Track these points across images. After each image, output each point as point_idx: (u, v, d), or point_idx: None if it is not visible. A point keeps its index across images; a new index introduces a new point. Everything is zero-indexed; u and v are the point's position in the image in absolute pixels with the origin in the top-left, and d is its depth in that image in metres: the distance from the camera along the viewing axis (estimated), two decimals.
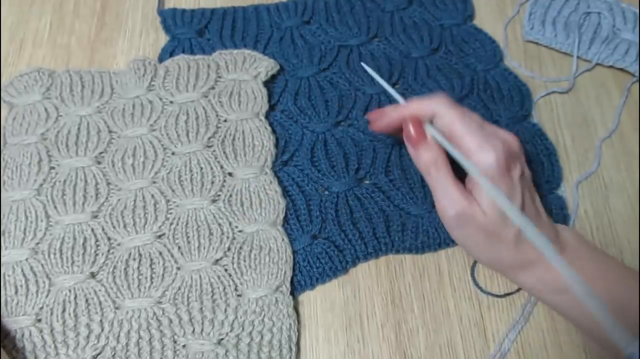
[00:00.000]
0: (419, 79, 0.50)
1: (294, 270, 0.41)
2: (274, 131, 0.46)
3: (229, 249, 0.41)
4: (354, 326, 0.40)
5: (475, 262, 0.43)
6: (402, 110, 0.38)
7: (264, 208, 0.42)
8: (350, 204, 0.44)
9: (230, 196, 0.43)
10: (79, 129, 0.45)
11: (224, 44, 0.51)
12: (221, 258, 0.40)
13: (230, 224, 0.42)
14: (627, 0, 0.56)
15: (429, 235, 0.43)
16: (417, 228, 0.43)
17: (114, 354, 0.37)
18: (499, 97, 0.49)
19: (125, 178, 0.43)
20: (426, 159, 0.37)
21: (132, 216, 0.42)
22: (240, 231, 0.42)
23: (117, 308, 0.39)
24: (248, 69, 0.48)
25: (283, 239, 0.41)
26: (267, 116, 0.47)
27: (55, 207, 0.42)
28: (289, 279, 0.40)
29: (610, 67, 0.53)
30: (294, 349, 0.38)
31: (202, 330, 0.38)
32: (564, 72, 0.52)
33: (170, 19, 0.52)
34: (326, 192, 0.44)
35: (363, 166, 0.45)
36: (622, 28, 0.54)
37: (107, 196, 0.43)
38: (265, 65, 0.48)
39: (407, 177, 0.45)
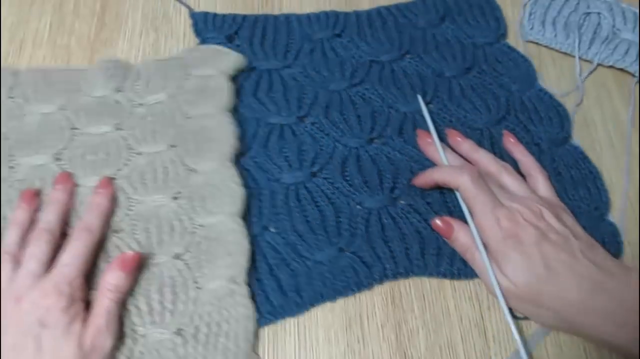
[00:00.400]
0: (454, 100, 0.49)
1: (317, 281, 0.40)
2: (238, 124, 0.46)
3: (189, 243, 0.41)
4: (354, 327, 0.40)
5: None
6: (434, 176, 0.42)
7: (223, 201, 0.42)
8: (383, 222, 0.42)
9: (192, 191, 0.42)
10: (40, 126, 0.44)
11: (253, 52, 0.50)
12: (182, 253, 0.40)
13: (191, 219, 0.41)
14: (627, 0, 0.56)
15: (466, 262, 0.41)
16: (453, 254, 0.41)
17: None
18: (537, 119, 0.48)
19: (83, 174, 0.43)
20: (459, 248, 0.41)
21: None
22: (200, 225, 0.41)
23: None
24: (215, 65, 0.48)
25: (241, 232, 0.41)
26: (234, 110, 0.47)
27: (12, 208, 0.41)
28: (245, 270, 0.40)
29: (610, 67, 0.53)
30: (251, 339, 0.38)
31: (162, 320, 0.38)
32: (564, 72, 0.52)
33: (201, 22, 0.51)
34: (358, 207, 0.43)
35: (399, 186, 0.44)
36: (622, 28, 0.54)
37: None
38: (233, 60, 0.48)
39: (445, 201, 0.44)
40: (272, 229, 0.42)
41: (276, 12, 0.55)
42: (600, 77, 0.53)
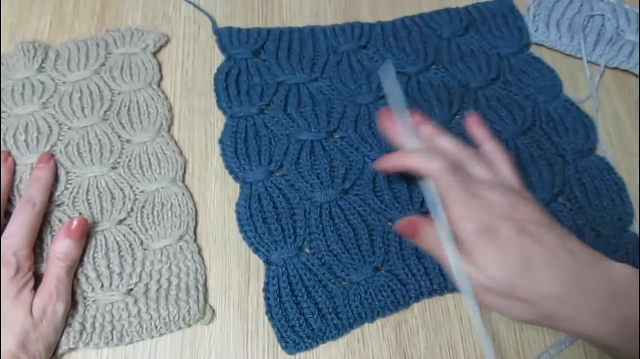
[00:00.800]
0: (480, 111, 0.49)
1: (355, 302, 0.40)
2: (166, 98, 0.48)
3: (131, 209, 0.43)
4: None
5: None
6: (404, 161, 0.38)
7: (162, 167, 0.45)
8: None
9: (130, 161, 0.45)
10: None
11: (280, 66, 0.50)
12: (125, 218, 0.42)
13: (131, 187, 0.44)
14: (630, 0, 0.56)
15: None
16: None
17: None
18: (562, 130, 0.48)
19: (19, 154, 0.44)
20: (427, 246, 0.38)
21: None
22: (141, 192, 0.44)
23: None
24: (136, 43, 0.50)
25: (184, 194, 0.43)
26: (159, 84, 0.49)
27: None
28: (192, 228, 0.42)
29: (612, 68, 0.53)
30: (201, 289, 0.40)
31: (110, 284, 0.40)
32: (563, 72, 0.52)
33: (226, 38, 0.51)
34: (389, 224, 0.43)
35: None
36: (626, 29, 0.54)
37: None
38: (153, 37, 0.50)
39: None
40: (307, 250, 0.42)
41: (275, 9, 0.55)
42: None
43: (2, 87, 0.47)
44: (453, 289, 0.41)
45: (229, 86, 0.49)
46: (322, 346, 0.39)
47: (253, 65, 0.50)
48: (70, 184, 0.44)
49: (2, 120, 0.46)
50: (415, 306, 0.41)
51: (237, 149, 0.45)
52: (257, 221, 0.42)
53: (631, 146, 0.49)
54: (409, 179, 0.44)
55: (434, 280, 0.41)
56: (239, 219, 0.43)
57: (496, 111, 0.49)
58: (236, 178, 0.45)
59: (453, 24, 0.54)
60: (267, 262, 0.41)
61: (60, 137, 0.46)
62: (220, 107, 0.48)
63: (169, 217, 0.42)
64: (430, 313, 0.41)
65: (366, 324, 0.40)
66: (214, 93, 0.49)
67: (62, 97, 0.47)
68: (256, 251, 0.42)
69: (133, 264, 0.41)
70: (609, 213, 0.44)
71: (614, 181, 0.46)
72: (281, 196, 0.44)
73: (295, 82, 0.49)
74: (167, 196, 0.43)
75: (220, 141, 0.46)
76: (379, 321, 0.40)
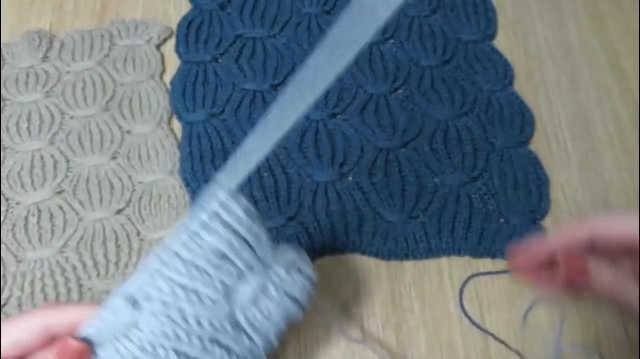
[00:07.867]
0: (422, 89, 0.49)
1: None
2: (168, 91, 0.48)
3: (130, 199, 0.43)
4: (354, 327, 0.40)
5: (462, 290, 0.41)
6: (551, 243, 0.33)
7: (160, 159, 0.44)
8: (328, 196, 0.43)
9: (129, 151, 0.45)
10: None
11: (242, 20, 0.51)
12: (123, 208, 0.42)
13: (130, 177, 0.43)
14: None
15: (397, 244, 0.41)
16: (387, 234, 0.42)
17: (20, 303, 0.38)
18: (498, 121, 0.47)
19: (20, 141, 0.44)
20: (604, 290, 0.32)
21: (30, 176, 0.43)
22: (139, 183, 0.43)
23: (19, 261, 0.39)
24: (141, 35, 0.50)
25: (180, 187, 0.43)
26: (161, 76, 0.49)
27: None
28: None
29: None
30: None
31: (107, 272, 0.39)
32: None
33: None
34: (308, 180, 0.44)
35: (348, 162, 0.44)
36: None
37: (4, 159, 0.43)
38: (157, 30, 0.50)
39: (389, 184, 0.44)
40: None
41: None
42: (600, 76, 0.52)
43: (7, 76, 0.47)
44: (353, 248, 0.41)
45: (189, 33, 0.50)
46: (321, 346, 0.39)
47: (217, 17, 0.51)
48: (71, 172, 0.43)
49: (5, 107, 0.46)
50: (416, 306, 0.41)
51: (184, 91, 0.47)
52: (195, 159, 0.44)
53: (631, 146, 0.49)
54: (334, 141, 0.46)
55: (338, 238, 0.42)
56: (180, 156, 0.45)
57: (438, 91, 0.48)
58: (179, 118, 0.46)
59: (421, 4, 0.54)
60: (193, 198, 0.42)
61: (62, 126, 0.45)
62: (177, 51, 0.50)
63: (166, 209, 0.42)
64: (430, 313, 0.40)
65: (366, 324, 0.39)
66: (175, 38, 0.50)
67: (65, 87, 0.47)
68: (187, 185, 0.43)
69: (129, 254, 0.40)
70: (522, 203, 0.44)
71: (537, 175, 0.45)
72: (218, 138, 0.45)
73: (252, 36, 0.51)
74: (164, 188, 0.43)
75: (171, 83, 0.48)
76: (379, 321, 0.40)
